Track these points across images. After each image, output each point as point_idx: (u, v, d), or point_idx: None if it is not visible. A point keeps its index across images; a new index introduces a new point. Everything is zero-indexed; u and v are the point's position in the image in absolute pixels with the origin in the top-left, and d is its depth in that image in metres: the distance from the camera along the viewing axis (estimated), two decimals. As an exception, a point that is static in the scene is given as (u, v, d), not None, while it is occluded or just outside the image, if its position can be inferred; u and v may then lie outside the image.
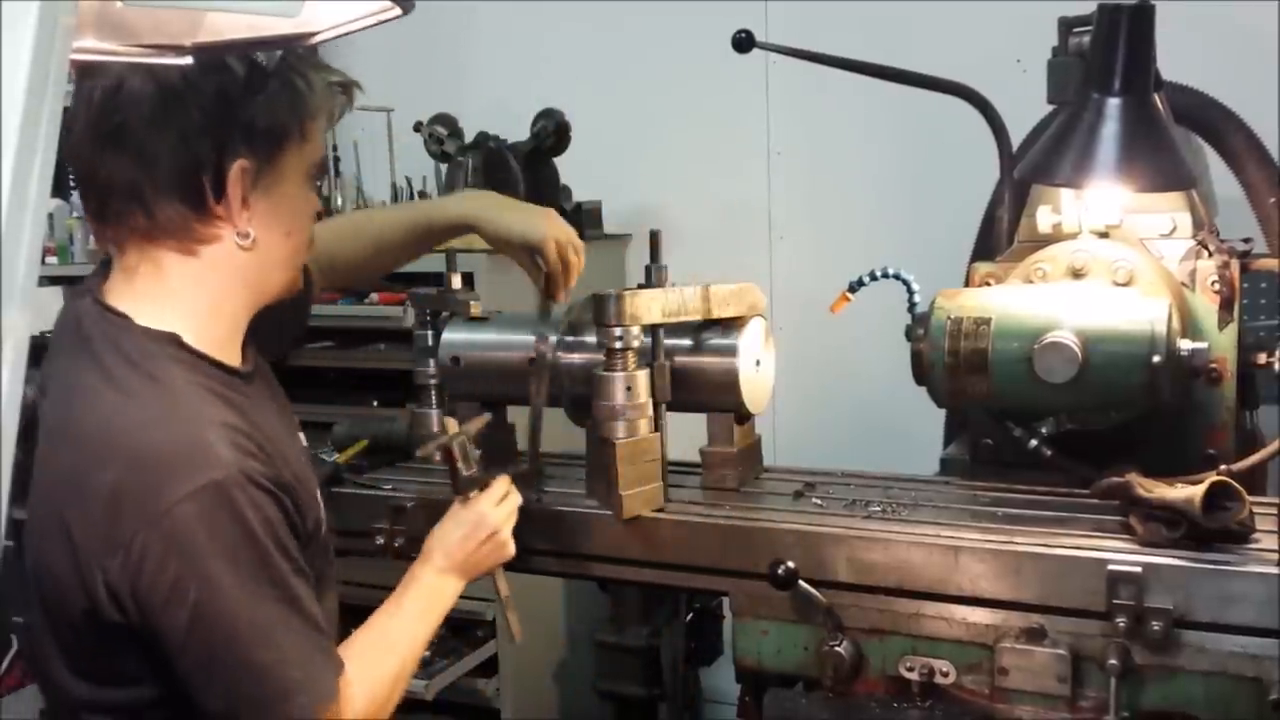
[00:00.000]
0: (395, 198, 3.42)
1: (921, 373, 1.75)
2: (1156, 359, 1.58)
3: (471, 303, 1.93)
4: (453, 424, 1.68)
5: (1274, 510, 1.54)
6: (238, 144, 1.34)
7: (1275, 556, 1.39)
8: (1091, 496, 1.61)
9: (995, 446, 1.87)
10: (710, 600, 3.03)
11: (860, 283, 1.87)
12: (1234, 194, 2.16)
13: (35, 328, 0.65)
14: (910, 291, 1.82)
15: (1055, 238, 1.84)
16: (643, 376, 1.69)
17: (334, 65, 1.49)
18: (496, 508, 1.62)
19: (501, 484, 1.65)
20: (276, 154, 1.38)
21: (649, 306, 1.69)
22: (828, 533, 1.59)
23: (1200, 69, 2.15)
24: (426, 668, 2.88)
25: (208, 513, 1.24)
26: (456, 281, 1.96)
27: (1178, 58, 1.89)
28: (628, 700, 3.11)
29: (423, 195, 3.41)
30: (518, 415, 1.95)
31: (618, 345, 1.67)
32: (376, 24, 0.92)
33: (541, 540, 1.73)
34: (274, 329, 1.57)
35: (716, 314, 1.76)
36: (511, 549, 1.64)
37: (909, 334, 1.78)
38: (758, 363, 1.80)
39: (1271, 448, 1.67)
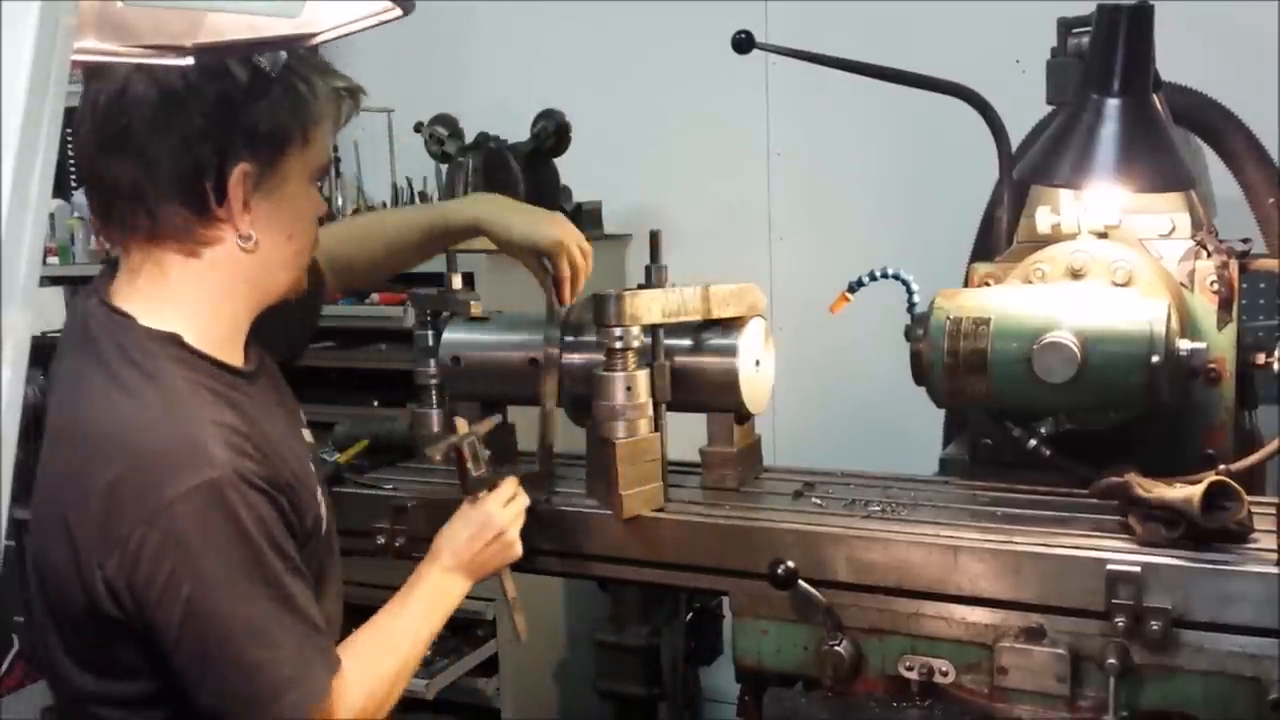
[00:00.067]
0: (396, 198, 3.42)
1: (921, 373, 1.76)
2: (1155, 359, 1.58)
3: (472, 303, 1.93)
4: (463, 424, 1.69)
5: (1272, 510, 1.54)
6: (239, 148, 1.35)
7: (1274, 556, 1.39)
8: (1090, 496, 1.61)
9: (994, 446, 1.88)
10: (710, 600, 3.03)
11: (860, 283, 1.87)
12: (1233, 194, 2.16)
13: (36, 328, 0.66)
14: (910, 292, 1.82)
15: (1054, 238, 1.84)
16: (643, 376, 1.70)
17: (334, 65, 1.49)
18: (504, 508, 1.64)
19: (509, 485, 1.67)
20: (278, 158, 1.39)
21: (649, 307, 1.70)
22: (827, 532, 1.59)
23: (1200, 69, 2.15)
24: (427, 667, 2.89)
25: (202, 512, 1.26)
26: (457, 282, 1.96)
27: (1177, 58, 1.89)
28: (628, 700, 3.11)
29: (423, 195, 3.41)
30: (518, 415, 1.96)
31: (618, 345, 1.68)
32: (377, 24, 0.93)
33: (542, 540, 1.74)
34: (282, 329, 1.58)
35: (716, 314, 1.76)
36: (518, 550, 1.66)
37: (908, 334, 1.78)
38: (757, 363, 1.81)
39: (1270, 448, 1.67)
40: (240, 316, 1.46)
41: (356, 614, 1.57)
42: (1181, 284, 1.78)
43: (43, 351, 1.44)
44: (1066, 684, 1.44)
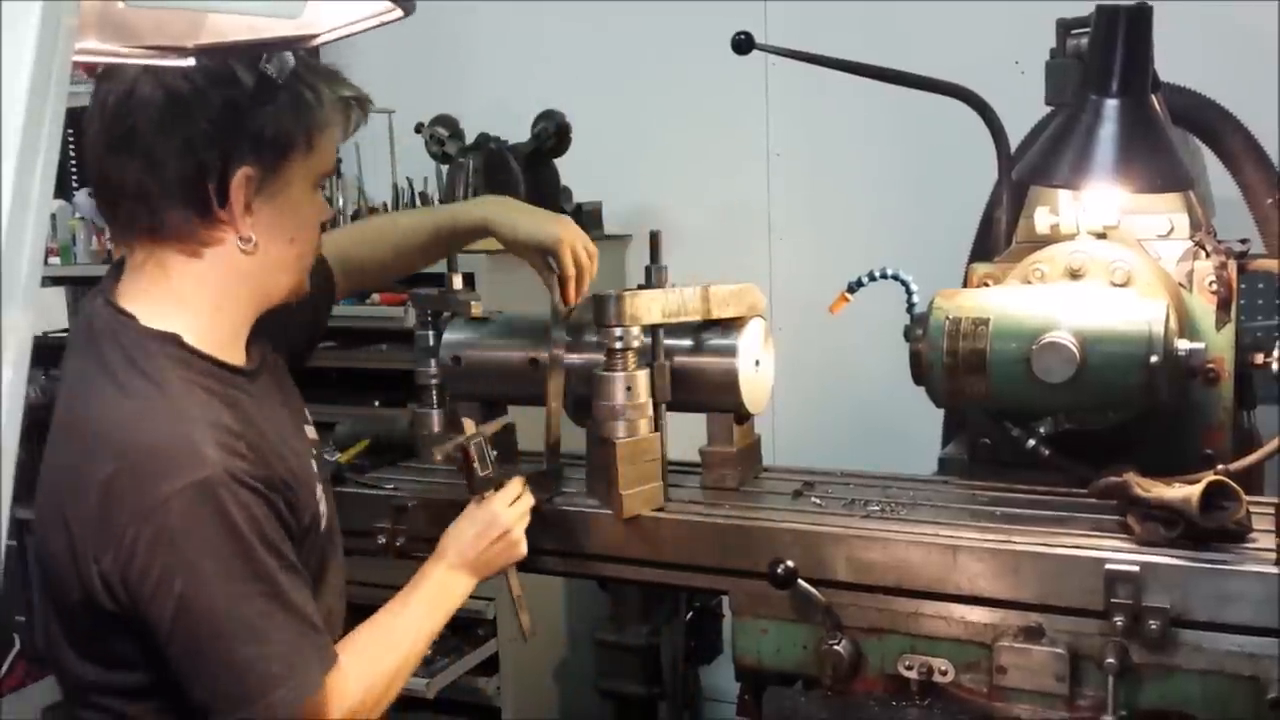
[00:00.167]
0: (396, 199, 3.43)
1: (920, 373, 1.76)
2: (1154, 359, 1.58)
3: (472, 303, 1.93)
4: (470, 424, 1.71)
5: (1271, 509, 1.54)
6: (243, 152, 1.37)
7: (1273, 556, 1.39)
8: (1089, 496, 1.62)
9: (993, 446, 1.88)
10: (710, 599, 3.03)
11: (859, 283, 1.88)
12: (1231, 195, 2.16)
13: (38, 328, 0.66)
14: (909, 292, 1.83)
15: (1053, 238, 1.85)
16: (643, 376, 1.70)
17: (335, 66, 1.50)
18: (509, 508, 1.66)
19: (515, 485, 1.69)
20: (281, 163, 1.41)
21: (649, 307, 1.70)
22: (827, 532, 1.59)
23: (1199, 70, 2.15)
24: (428, 666, 2.88)
25: (194, 509, 1.28)
26: (458, 282, 1.97)
27: (1176, 58, 1.89)
28: (628, 699, 3.11)
29: (424, 196, 3.41)
30: (518, 415, 1.96)
31: (618, 345, 1.68)
32: (378, 25, 0.93)
33: (543, 539, 1.74)
34: (291, 330, 1.61)
35: (716, 314, 1.77)
36: (523, 549, 1.67)
37: (908, 334, 1.78)
38: (757, 363, 1.81)
39: (1269, 447, 1.67)
40: (241, 316, 1.48)
41: (357, 613, 1.58)
42: (1180, 284, 1.78)
43: (45, 352, 1.46)
44: (1065, 683, 1.44)
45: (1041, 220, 1.87)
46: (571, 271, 1.80)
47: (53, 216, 3.50)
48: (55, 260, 3.61)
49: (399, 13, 0.90)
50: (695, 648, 3.11)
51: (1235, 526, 1.44)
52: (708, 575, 1.68)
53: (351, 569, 1.65)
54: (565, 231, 1.81)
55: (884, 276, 1.86)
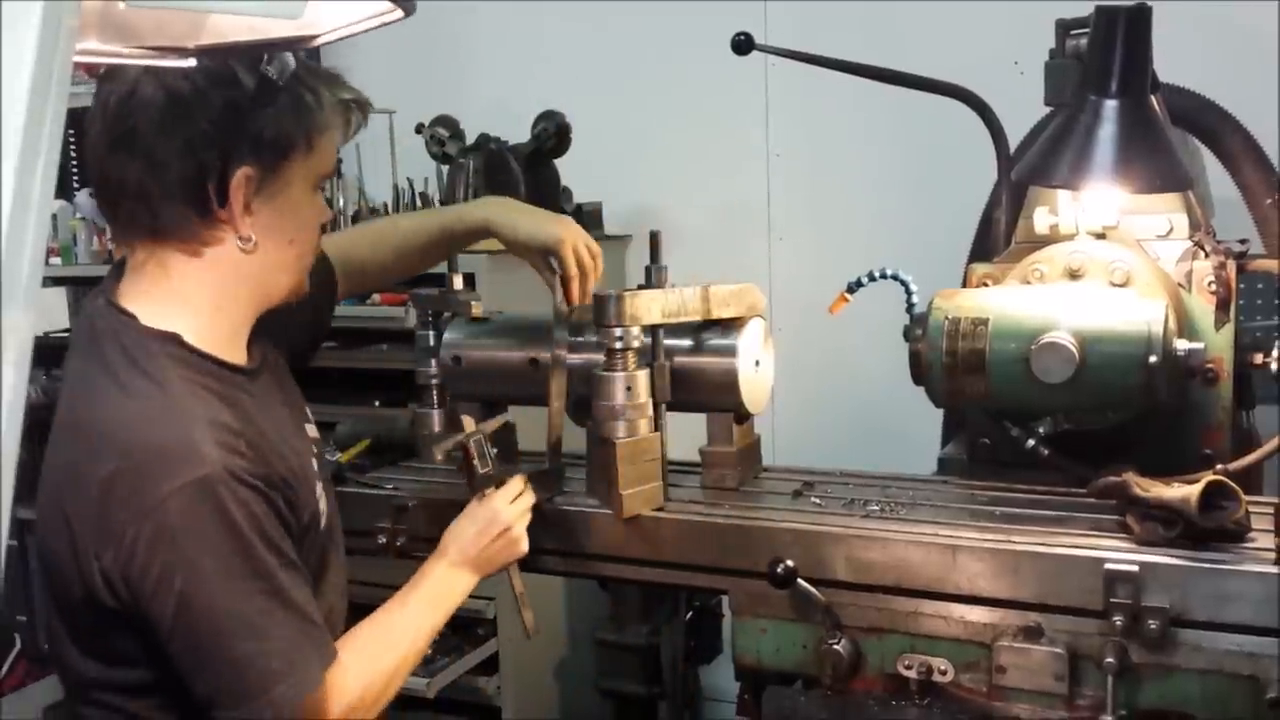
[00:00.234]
0: (397, 199, 3.43)
1: (919, 373, 1.76)
2: (1153, 359, 1.59)
3: (473, 303, 1.93)
4: (470, 422, 1.71)
5: (1270, 509, 1.54)
6: (243, 153, 1.38)
7: (1272, 555, 1.39)
8: (1088, 496, 1.62)
9: (993, 446, 1.88)
10: (710, 599, 3.03)
11: (859, 283, 1.88)
12: (1231, 195, 2.16)
13: (39, 328, 0.66)
14: (908, 292, 1.83)
15: (1052, 239, 1.85)
16: (643, 376, 1.70)
17: (335, 67, 1.51)
18: (510, 505, 1.67)
19: (516, 482, 1.69)
20: (281, 164, 1.42)
21: (649, 307, 1.70)
22: (826, 532, 1.59)
23: (1199, 70, 2.15)
24: (428, 665, 2.88)
25: (193, 507, 1.29)
26: (458, 282, 1.97)
27: (1176, 59, 1.89)
28: (628, 698, 3.12)
29: (424, 197, 3.42)
30: (518, 415, 1.96)
31: (618, 345, 1.68)
32: (379, 26, 0.93)
33: (543, 539, 1.74)
34: (285, 330, 1.61)
35: (716, 314, 1.77)
36: (524, 546, 1.68)
37: (907, 334, 1.78)
38: (757, 363, 1.81)
39: (1268, 447, 1.67)
40: (242, 316, 1.49)
41: (357, 612, 1.58)
42: (1179, 284, 1.79)
43: (46, 352, 1.46)
44: (1065, 683, 1.45)
45: (1041, 220, 1.87)
46: (574, 271, 1.81)
47: (54, 217, 3.50)
48: (56, 260, 3.61)
49: (399, 13, 0.90)
50: (695, 647, 3.11)
51: (1234, 526, 1.44)
52: (707, 575, 1.68)
53: (352, 568, 1.66)
54: (566, 231, 1.81)
55: (884, 277, 1.86)
